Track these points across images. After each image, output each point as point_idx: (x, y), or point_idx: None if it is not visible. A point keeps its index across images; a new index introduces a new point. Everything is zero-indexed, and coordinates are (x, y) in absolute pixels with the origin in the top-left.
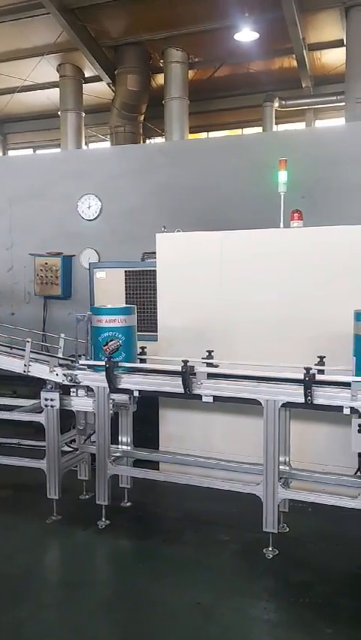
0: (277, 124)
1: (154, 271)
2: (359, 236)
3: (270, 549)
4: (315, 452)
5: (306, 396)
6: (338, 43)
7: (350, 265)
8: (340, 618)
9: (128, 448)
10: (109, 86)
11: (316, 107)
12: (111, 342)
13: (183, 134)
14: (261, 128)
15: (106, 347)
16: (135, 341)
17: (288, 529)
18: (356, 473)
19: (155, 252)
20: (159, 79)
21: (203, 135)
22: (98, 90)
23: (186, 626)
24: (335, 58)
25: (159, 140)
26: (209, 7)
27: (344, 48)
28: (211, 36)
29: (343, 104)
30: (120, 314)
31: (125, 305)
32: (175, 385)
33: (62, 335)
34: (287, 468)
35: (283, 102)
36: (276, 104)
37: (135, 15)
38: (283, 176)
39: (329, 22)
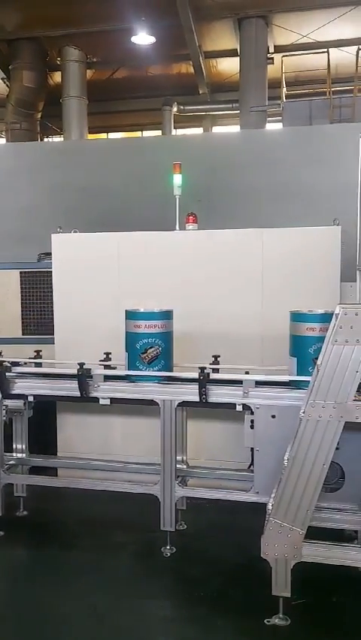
0: (176, 128)
1: (51, 272)
2: (249, 239)
3: (168, 547)
4: (213, 449)
5: (201, 395)
6: (232, 53)
7: (241, 266)
8: (231, 609)
9: (23, 455)
10: (3, 81)
11: (213, 113)
12: (150, 350)
13: (83, 134)
14: (160, 131)
15: (145, 355)
16: (172, 348)
17: (186, 527)
18: (249, 467)
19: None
20: (57, 77)
21: (103, 136)
22: None
23: (80, 631)
24: (230, 66)
25: (58, 139)
26: (106, 8)
27: (238, 57)
28: (109, 37)
29: (238, 111)
30: (161, 319)
31: (164, 309)
32: (71, 389)
33: None
34: (184, 466)
35: (182, 107)
36: (175, 109)
37: (31, 9)
38: (177, 179)
39: (224, 32)
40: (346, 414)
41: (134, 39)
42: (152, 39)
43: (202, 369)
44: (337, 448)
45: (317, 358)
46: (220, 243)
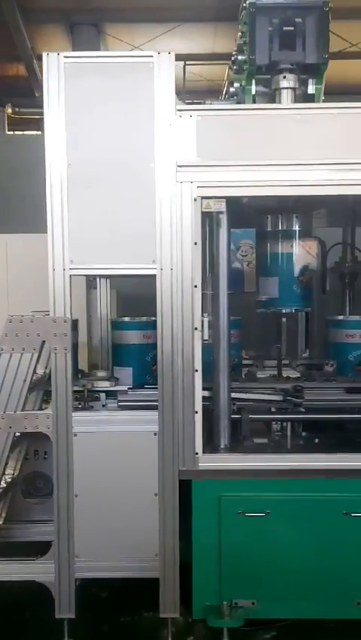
0: (14, 130)
1: None
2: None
3: None
4: None
5: None
6: None
7: None
8: None
9: None
10: None
11: None
12: None
13: None
14: None
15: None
16: None
17: None
18: None
19: None
20: None
21: None
22: None
23: None
24: None
25: None
26: None
27: None
28: None
29: None
30: None
31: None
32: None
33: None
34: None
35: (17, 109)
36: (9, 110)
37: None
38: None
39: (58, 36)
40: (14, 424)
41: None
42: None
43: None
44: (45, 458)
45: None
46: None
